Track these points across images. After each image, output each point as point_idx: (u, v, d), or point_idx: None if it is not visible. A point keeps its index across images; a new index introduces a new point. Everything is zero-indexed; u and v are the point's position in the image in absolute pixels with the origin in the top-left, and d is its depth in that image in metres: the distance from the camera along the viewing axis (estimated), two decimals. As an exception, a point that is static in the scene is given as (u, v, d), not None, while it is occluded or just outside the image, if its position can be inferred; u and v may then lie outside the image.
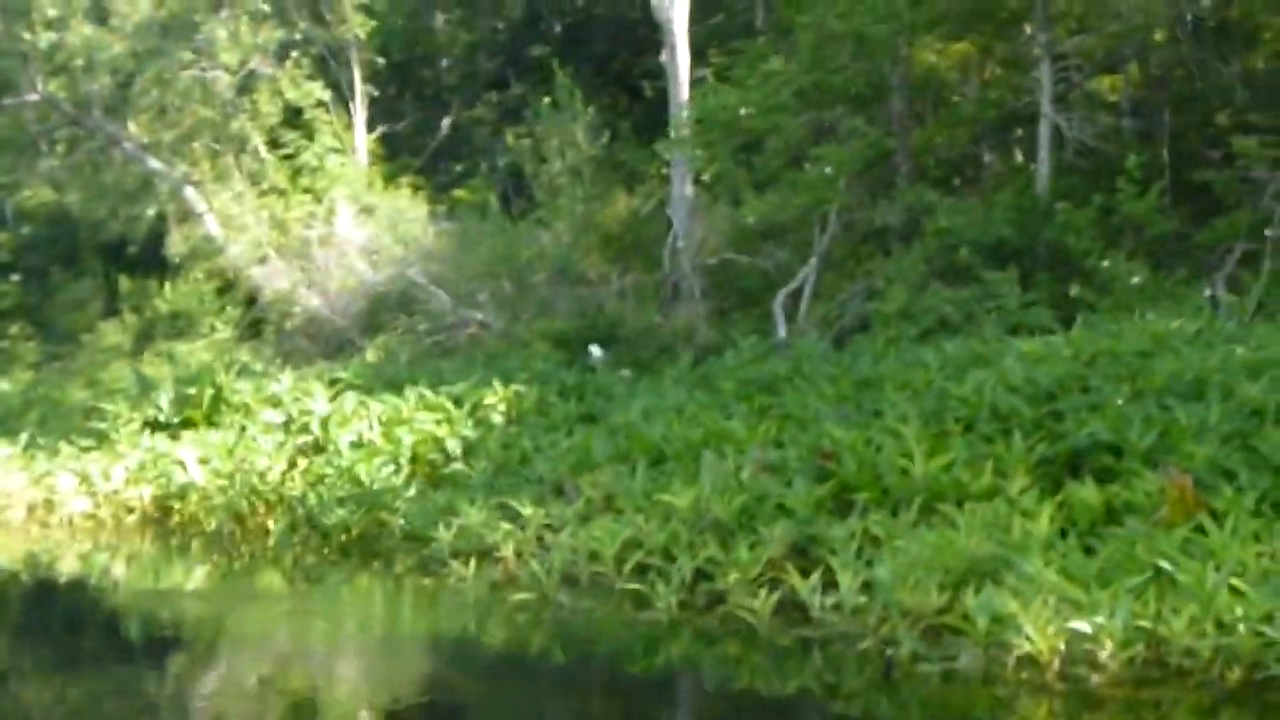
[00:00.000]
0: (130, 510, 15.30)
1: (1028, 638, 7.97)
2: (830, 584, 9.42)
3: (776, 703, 8.18)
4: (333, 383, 16.62)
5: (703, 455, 11.76)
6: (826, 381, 13.61)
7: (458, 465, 14.28)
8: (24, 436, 17.16)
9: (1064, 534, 9.43)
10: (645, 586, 10.28)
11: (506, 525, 11.75)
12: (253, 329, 25.12)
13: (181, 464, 15.27)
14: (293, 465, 14.78)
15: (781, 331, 17.34)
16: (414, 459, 14.67)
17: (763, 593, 9.46)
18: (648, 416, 13.68)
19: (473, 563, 11.68)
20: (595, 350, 16.43)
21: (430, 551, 12.50)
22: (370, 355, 22.16)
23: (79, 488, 15.36)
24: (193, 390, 17.16)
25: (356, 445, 14.89)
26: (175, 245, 25.56)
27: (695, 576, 10.07)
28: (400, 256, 24.46)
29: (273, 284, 24.96)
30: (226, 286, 25.82)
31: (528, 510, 11.90)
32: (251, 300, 25.44)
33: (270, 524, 14.26)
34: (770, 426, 12.46)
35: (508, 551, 11.55)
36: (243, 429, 16.27)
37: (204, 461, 15.19)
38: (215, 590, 12.62)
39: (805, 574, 9.70)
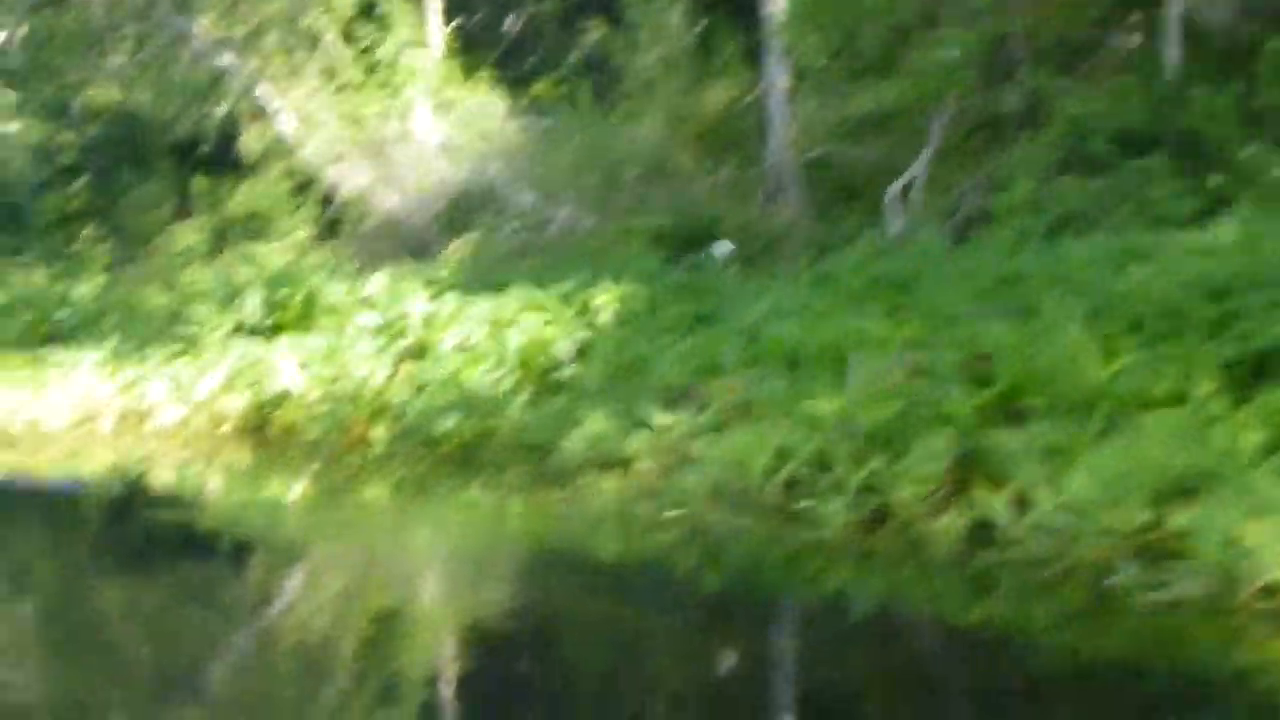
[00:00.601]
0: (224, 419, 14.44)
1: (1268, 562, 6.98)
2: (1015, 501, 8.40)
3: (977, 635, 7.18)
4: (430, 283, 15.69)
5: (848, 358, 10.74)
6: (961, 278, 12.59)
7: (569, 369, 13.30)
8: (109, 343, 16.23)
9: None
10: (799, 501, 9.36)
11: (641, 434, 10.74)
12: (329, 229, 24.22)
13: (277, 370, 14.39)
14: (396, 371, 13.86)
15: (894, 226, 16.32)
16: (521, 363, 13.74)
17: (951, 511, 8.48)
18: (774, 318, 12.65)
19: (601, 475, 10.66)
20: (722, 246, 15.42)
21: (550, 462, 11.60)
22: (453, 256, 21.24)
23: (171, 396, 14.45)
24: (283, 293, 16.25)
25: (460, 349, 13.98)
26: (248, 144, 24.57)
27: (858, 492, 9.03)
28: (480, 154, 23.46)
29: (349, 183, 24.01)
30: (302, 186, 24.88)
31: (660, 418, 10.92)
32: (327, 200, 24.51)
33: (374, 433, 13.28)
34: (912, 327, 11.43)
35: (644, 463, 10.56)
36: (338, 333, 15.38)
37: (301, 368, 14.33)
38: (321, 502, 11.79)
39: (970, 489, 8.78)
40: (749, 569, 8.74)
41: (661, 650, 7.15)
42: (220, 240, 24.27)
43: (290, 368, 14.11)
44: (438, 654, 7.03)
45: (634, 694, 6.30)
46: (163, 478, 12.91)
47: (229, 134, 25.00)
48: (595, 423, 11.49)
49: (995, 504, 8.36)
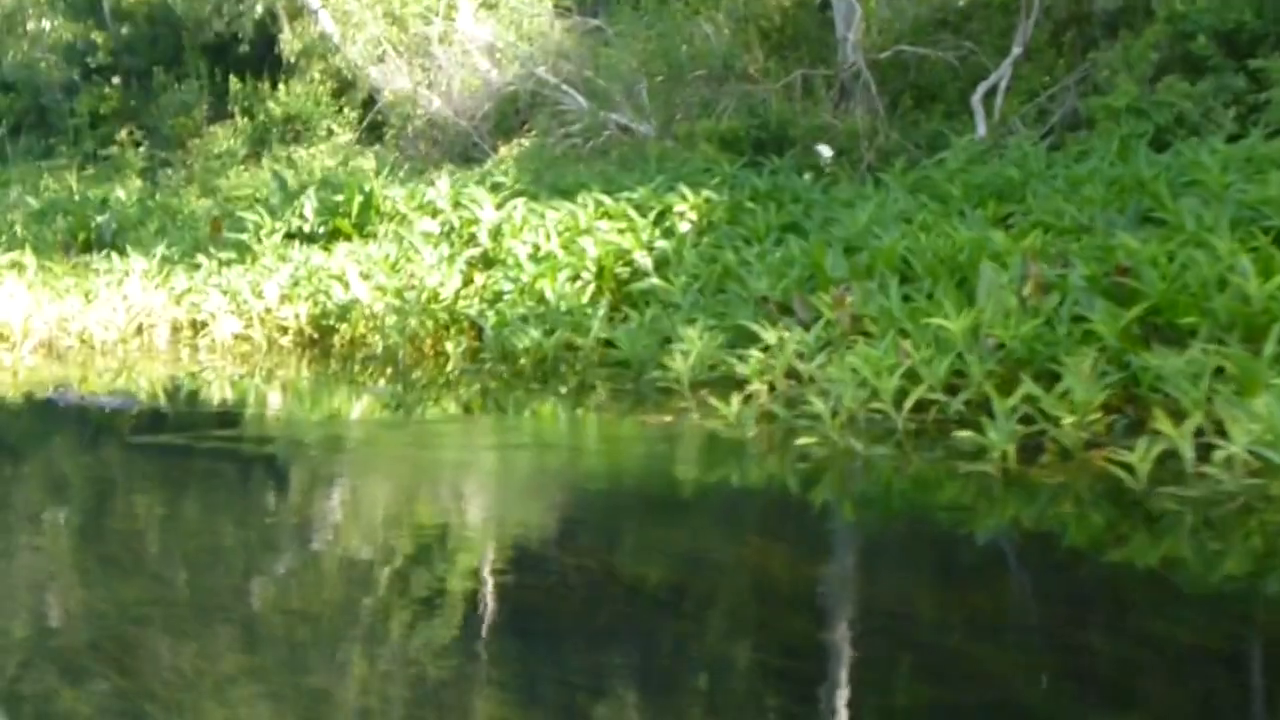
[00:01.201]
0: (283, 330, 13.54)
1: None
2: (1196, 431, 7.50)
3: (1188, 585, 6.23)
4: (494, 188, 14.73)
5: (976, 271, 9.82)
6: (1072, 185, 11.68)
7: (651, 280, 12.37)
8: (158, 249, 15.31)
9: None
10: (938, 428, 8.46)
11: (749, 351, 9.83)
12: (372, 133, 23.21)
13: (341, 279, 13.48)
14: (468, 281, 12.93)
15: (981, 130, 15.35)
16: (599, 273, 12.81)
17: (1119, 440, 7.59)
18: (876, 227, 11.72)
19: (707, 395, 9.75)
20: (824, 150, 14.44)
21: (644, 381, 10.73)
22: (503, 160, 20.30)
23: (226, 307, 13.54)
24: (339, 198, 15.31)
25: (534, 258, 13.03)
26: (288, 43, 23.53)
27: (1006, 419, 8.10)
28: (526, 55, 22.40)
29: (392, 84, 22.98)
30: (343, 88, 23.85)
31: (771, 335, 10.01)
32: (370, 102, 23.49)
33: (446, 347, 12.40)
34: (1033, 238, 10.49)
35: (760, 383, 9.66)
36: (397, 240, 14.46)
37: (365, 277, 13.40)
38: (390, 420, 10.81)
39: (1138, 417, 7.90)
40: (906, 505, 7.72)
41: (834, 599, 6.22)
42: (259, 143, 23.27)
43: (354, 276, 13.14)
44: (555, 599, 6.07)
45: (806, 651, 5.39)
46: (220, 393, 11.89)
47: (267, 33, 23.95)
48: (693, 338, 10.55)
49: (1173, 434, 7.40)
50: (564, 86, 21.38)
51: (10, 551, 7.03)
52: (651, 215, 13.49)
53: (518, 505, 8.02)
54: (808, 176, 14.88)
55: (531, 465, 8.94)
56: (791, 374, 9.82)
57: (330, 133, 23.15)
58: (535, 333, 11.80)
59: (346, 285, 13.34)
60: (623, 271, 12.99)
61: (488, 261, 13.56)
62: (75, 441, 10.10)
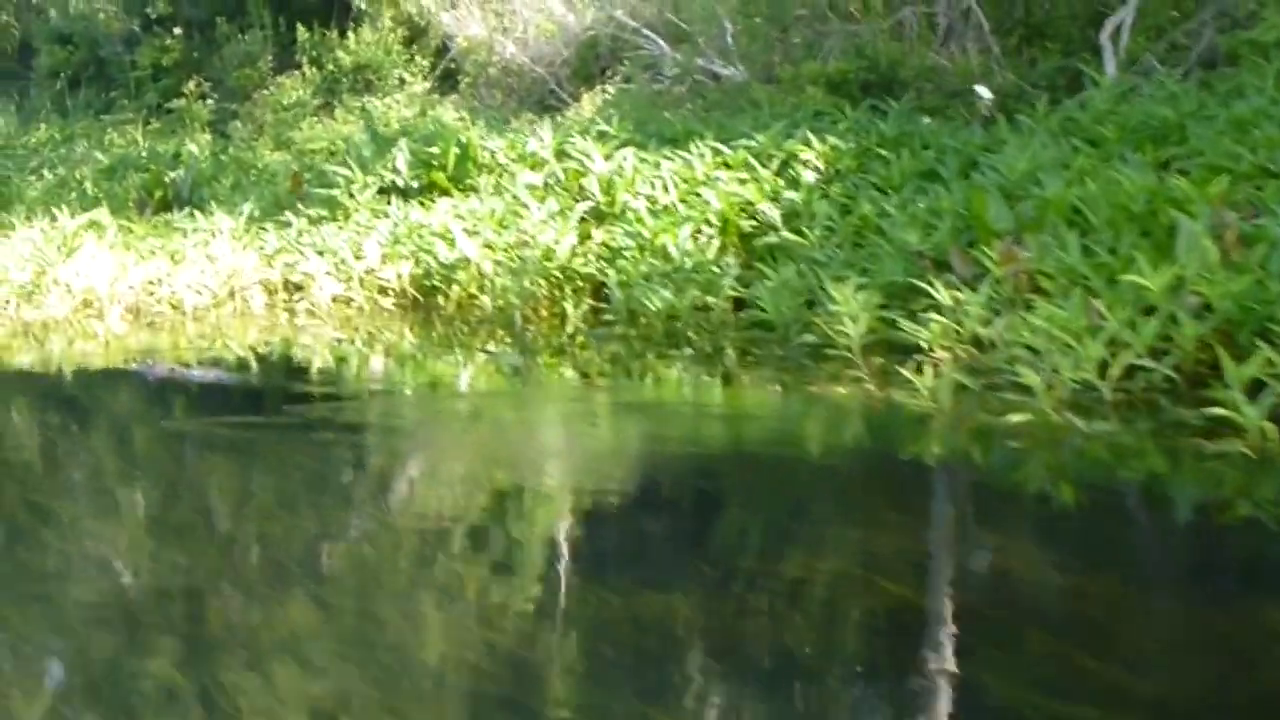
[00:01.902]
0: (384, 292, 12.57)
1: None
2: None
3: None
4: (600, 137, 13.72)
5: (1178, 221, 8.77)
6: (1238, 127, 10.60)
7: (784, 233, 11.37)
8: (245, 207, 14.35)
9: None
10: (1164, 400, 7.49)
11: (936, 317, 8.84)
12: (445, 81, 22.19)
13: (445, 236, 12.51)
14: (584, 237, 11.95)
15: (1111, 69, 14.21)
16: (723, 227, 11.81)
17: None
18: (1033, 174, 10.68)
19: (876, 359, 8.79)
20: (983, 91, 13.35)
21: (793, 345, 9.76)
22: (587, 108, 19.28)
23: (324, 267, 12.59)
24: (434, 149, 14.31)
25: (652, 211, 12.03)
26: (358, -11, 22.52)
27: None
28: (605, -2, 21.36)
29: (465, 31, 21.93)
30: (414, 36, 22.81)
31: (944, 294, 9.01)
32: (442, 50, 22.46)
33: (565, 307, 11.42)
34: (1220, 184, 9.43)
35: (941, 350, 8.66)
36: (499, 194, 13.48)
37: (472, 234, 12.42)
38: (510, 388, 9.87)
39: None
40: (1177, 498, 6.67)
41: (1151, 631, 5.19)
42: (328, 94, 22.25)
43: (460, 233, 12.17)
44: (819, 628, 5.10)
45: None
46: (328, 361, 10.91)
47: (332, -20, 22.94)
48: (847, 298, 9.54)
49: None
50: (645, 30, 20.32)
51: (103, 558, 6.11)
52: (774, 164, 12.40)
53: (725, 501, 7.00)
54: (926, 120, 13.79)
55: (718, 445, 7.91)
56: (972, 338, 8.77)
57: (402, 82, 22.14)
58: (666, 292, 10.79)
59: (451, 243, 12.39)
60: (745, 225, 11.91)
61: (599, 216, 12.55)
62: (166, 422, 9.04)
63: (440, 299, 12.42)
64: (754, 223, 12.01)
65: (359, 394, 9.72)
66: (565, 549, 6.06)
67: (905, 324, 9.05)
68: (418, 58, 22.44)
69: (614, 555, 6.04)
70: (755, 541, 6.16)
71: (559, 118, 18.74)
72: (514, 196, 13.06)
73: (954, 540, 6.06)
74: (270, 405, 9.35)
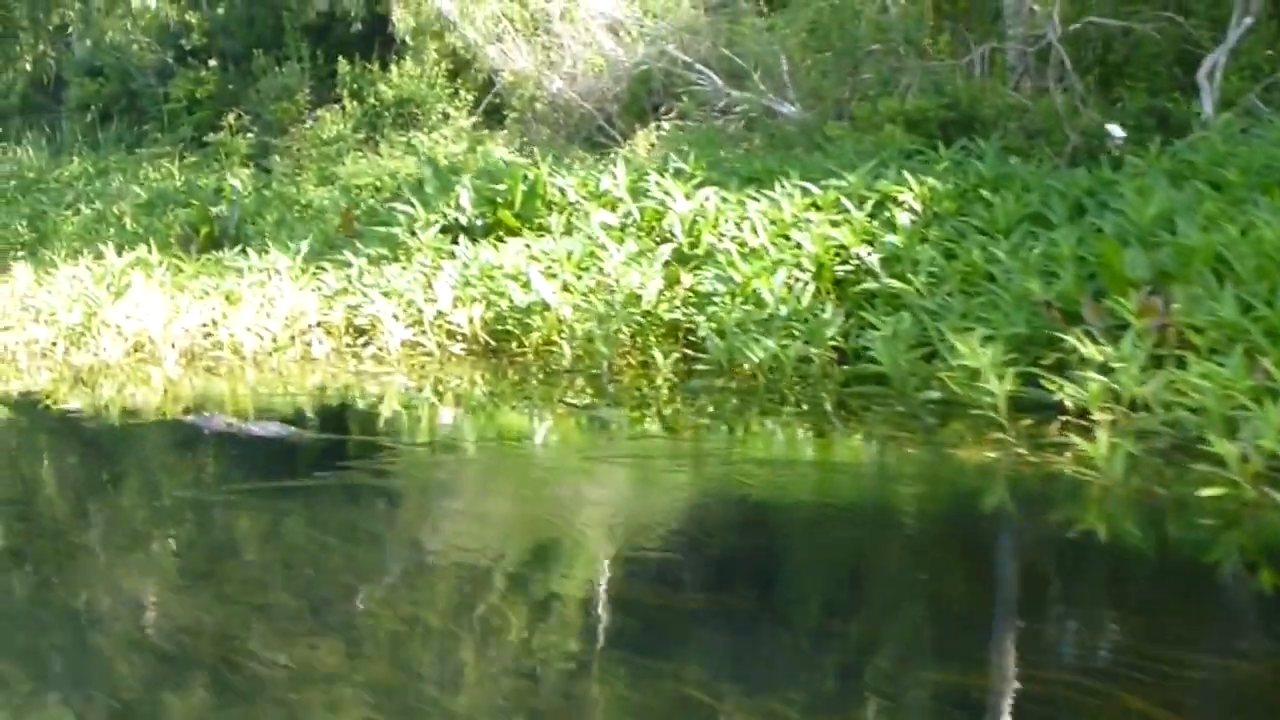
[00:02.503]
0: (453, 336, 11.77)
1: None
2: None
3: None
4: (677, 175, 12.95)
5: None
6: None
7: (885, 280, 10.59)
8: (302, 245, 13.56)
9: None
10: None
11: (1094, 376, 8.02)
12: (490, 116, 21.45)
13: (517, 278, 11.71)
14: (674, 280, 11.16)
15: (1208, 108, 13.46)
16: (817, 271, 11.02)
17: None
18: (1161, 219, 9.90)
19: (1019, 421, 7.97)
20: (1115, 130, 12.56)
21: (912, 401, 8.96)
22: (641, 145, 18.53)
23: (392, 310, 11.79)
24: (501, 185, 13.54)
25: (742, 255, 11.25)
26: (401, 21, 21.76)
27: None
28: (655, 32, 20.60)
29: (512, 65, 21.19)
30: (458, 69, 22.07)
31: (1091, 349, 8.22)
32: (488, 84, 21.72)
33: (654, 356, 10.60)
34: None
35: (1099, 411, 7.85)
36: (570, 233, 12.71)
37: (548, 276, 11.63)
38: (600, 445, 9.06)
39: None
40: None
41: None
42: (370, 128, 21.49)
43: (538, 275, 11.38)
44: None
45: None
46: (394, 413, 10.08)
47: (374, 13, 22.20)
48: (974, 351, 8.74)
49: None
50: (698, 66, 19.60)
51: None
52: (868, 206, 11.62)
53: (908, 586, 6.17)
54: (1014, 160, 13.03)
55: (880, 513, 7.10)
56: (1120, 397, 7.96)
57: (446, 117, 21.41)
58: (769, 341, 9.98)
59: (526, 286, 11.59)
60: (846, 270, 11.14)
61: (681, 258, 11.76)
62: (226, 485, 8.17)
63: (514, 345, 11.58)
64: (847, 267, 11.20)
65: (439, 452, 8.92)
66: (745, 637, 5.24)
67: (1048, 380, 8.23)
68: (462, 92, 21.69)
69: (804, 652, 5.22)
70: (966, 644, 5.30)
71: (612, 154, 18.01)
72: (589, 237, 12.26)
73: (1185, 641, 5.21)
74: (338, 465, 8.43)
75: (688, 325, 10.99)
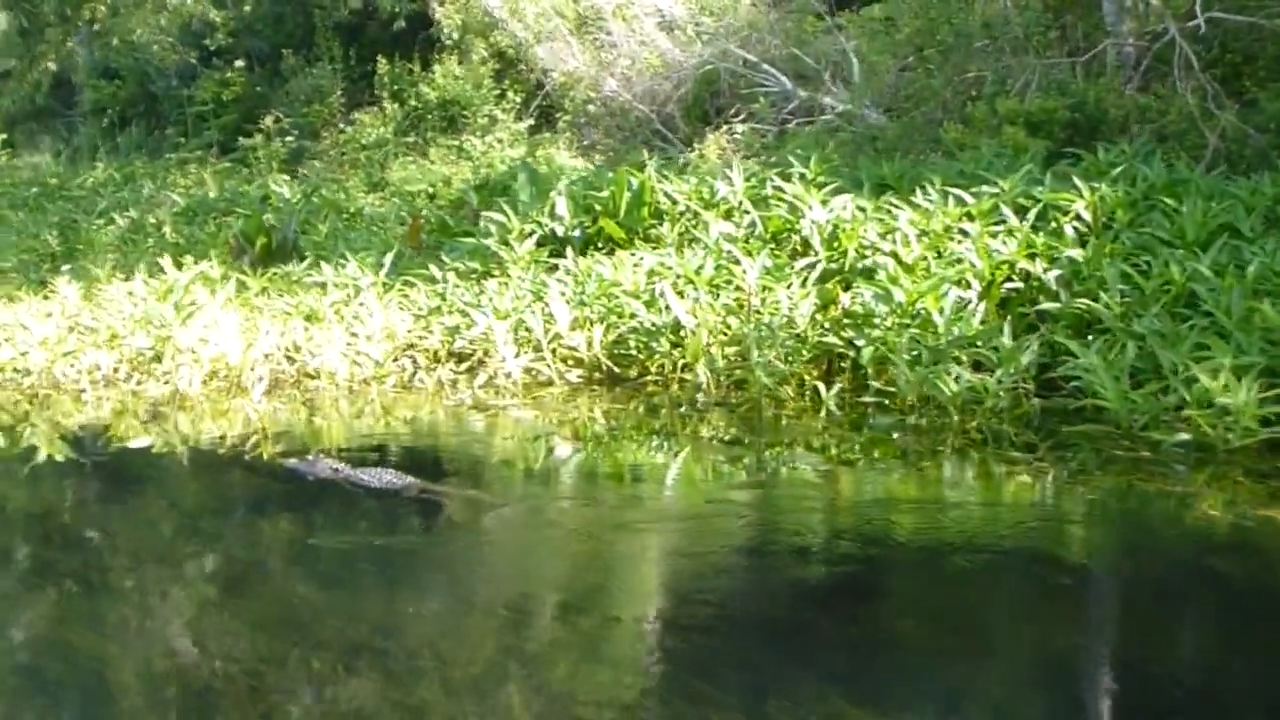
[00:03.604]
0: (567, 361, 10.31)
1: None
2: None
3: None
4: (802, 181, 11.56)
5: None
6: None
7: (1075, 300, 9.23)
8: (387, 260, 12.07)
9: None
10: None
11: None
12: (542, 118, 19.99)
13: (641, 296, 10.29)
14: (830, 301, 9.73)
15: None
16: (986, 289, 9.62)
17: None
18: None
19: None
20: None
21: (1144, 442, 7.59)
22: (712, 149, 17.14)
23: (505, 333, 10.33)
24: (603, 193, 12.11)
25: (904, 271, 9.86)
26: (447, 19, 20.29)
27: None
28: (715, 31, 19.23)
29: (562, 66, 19.76)
30: (504, 70, 20.59)
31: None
32: (538, 85, 20.27)
33: (819, 388, 9.18)
34: None
35: None
36: (684, 246, 11.30)
37: (679, 294, 10.21)
38: (761, 485, 7.65)
39: None
40: None
41: None
42: (413, 131, 19.99)
43: (670, 294, 9.95)
44: None
45: None
46: (524, 456, 8.59)
47: (414, 11, 20.73)
48: (1223, 387, 7.37)
49: None
50: (765, 66, 18.24)
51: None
52: (1031, 216, 10.24)
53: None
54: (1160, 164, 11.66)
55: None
56: None
57: (493, 120, 19.90)
58: (964, 373, 8.58)
59: (652, 305, 10.14)
60: (1015, 287, 9.78)
61: (823, 274, 10.35)
62: (331, 541, 6.70)
63: (635, 371, 10.14)
64: (1013, 284, 9.82)
65: (620, 528, 7.32)
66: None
67: None
68: (509, 93, 20.20)
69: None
70: None
71: (678, 159, 16.62)
72: (710, 249, 10.83)
73: None
74: (471, 524, 6.98)
75: (840, 350, 9.54)
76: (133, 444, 9.05)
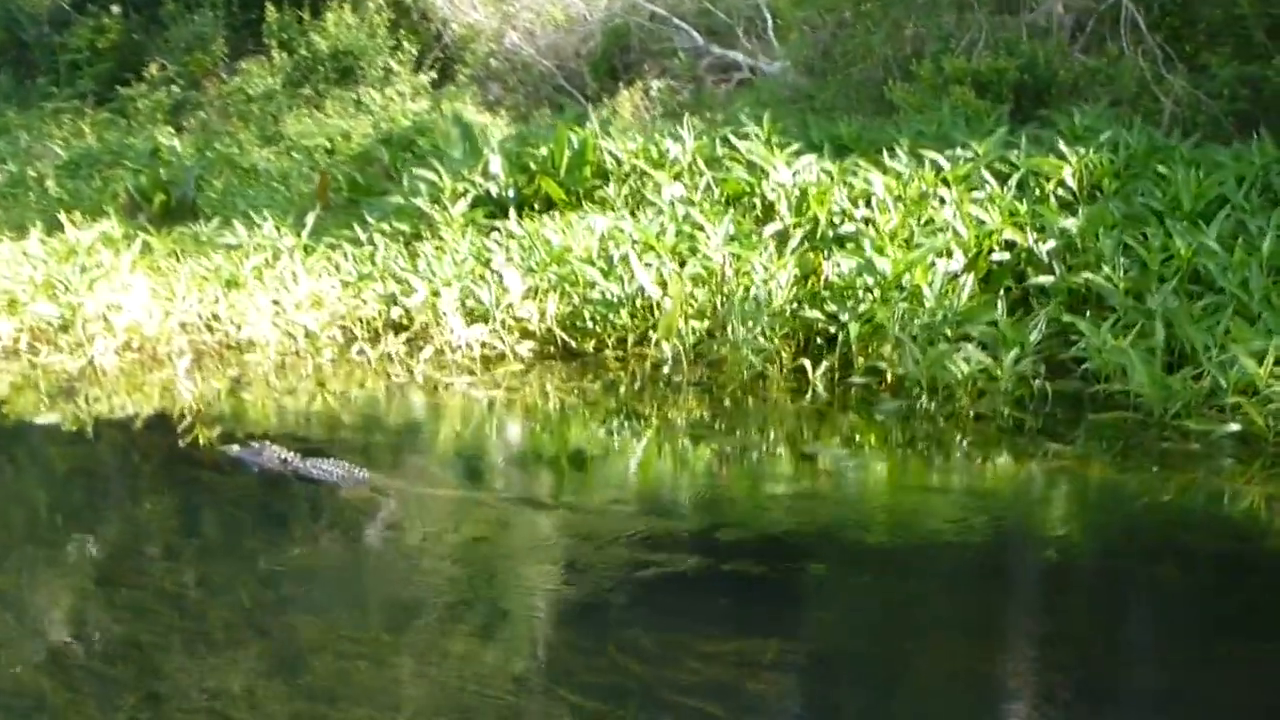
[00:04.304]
0: (520, 334, 9.33)
1: None
2: None
3: None
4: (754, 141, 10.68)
5: None
6: None
7: (1072, 275, 8.52)
8: (308, 218, 10.96)
9: None
10: None
11: None
12: (441, 72, 18.83)
13: (595, 262, 9.34)
14: (811, 271, 8.87)
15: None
16: (972, 261, 8.85)
17: None
18: None
19: None
20: None
21: (1175, 430, 6.88)
22: (625, 107, 16.21)
23: (458, 304, 9.32)
24: (541, 151, 11.12)
25: (885, 238, 9.04)
26: (340, -36, 19.03)
27: None
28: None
29: (462, 17, 18.65)
30: (400, 18, 19.36)
31: None
32: (436, 37, 19.10)
33: (787, 361, 8.35)
34: None
35: None
36: (636, 208, 10.37)
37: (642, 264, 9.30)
38: (750, 472, 6.81)
39: None
40: None
41: None
42: (304, 82, 18.69)
43: (634, 262, 9.03)
44: None
45: None
46: (506, 446, 7.64)
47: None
48: (1265, 371, 6.69)
49: None
50: (676, 21, 17.35)
51: None
52: (1013, 182, 9.48)
53: None
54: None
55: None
56: None
57: (388, 72, 18.67)
58: (976, 354, 7.79)
59: (610, 273, 9.19)
60: (1002, 258, 9.03)
61: (783, 239, 9.50)
62: (314, 577, 5.68)
63: (591, 344, 9.19)
64: (1011, 254, 9.07)
65: (638, 542, 6.29)
66: None
67: None
68: (405, 44, 18.96)
69: None
70: None
71: (586, 116, 15.64)
72: (661, 211, 9.91)
73: None
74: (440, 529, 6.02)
75: (822, 326, 8.71)
76: (41, 421, 7.91)
